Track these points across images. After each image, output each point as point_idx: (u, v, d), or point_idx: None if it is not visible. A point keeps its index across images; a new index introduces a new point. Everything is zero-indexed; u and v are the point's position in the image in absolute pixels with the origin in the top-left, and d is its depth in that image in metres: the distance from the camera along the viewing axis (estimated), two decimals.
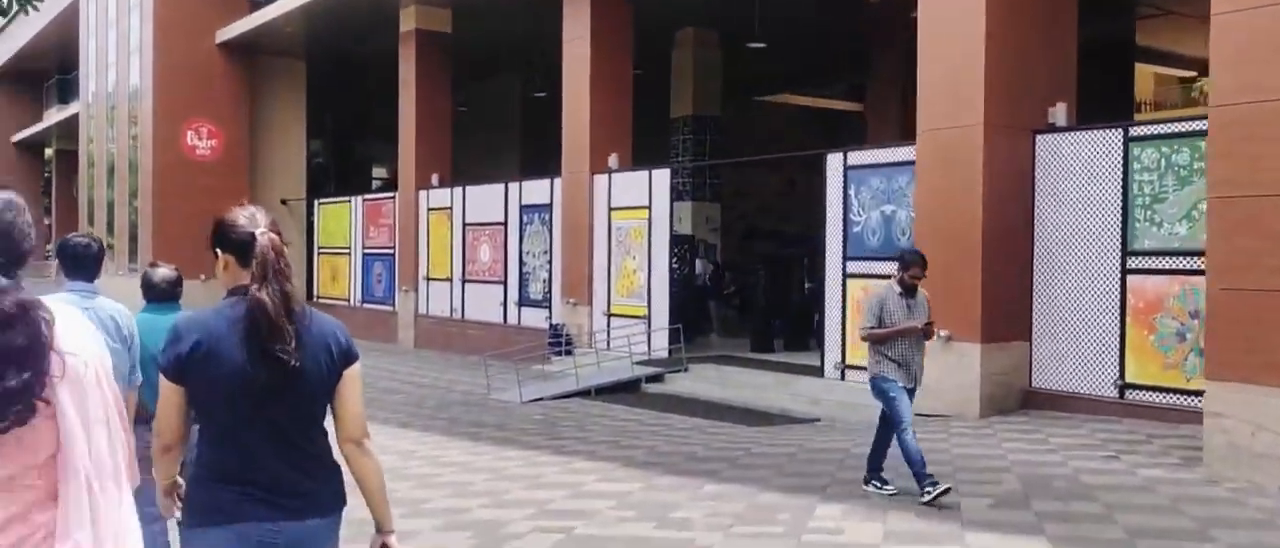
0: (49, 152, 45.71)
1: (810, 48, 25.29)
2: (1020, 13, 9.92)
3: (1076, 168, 9.87)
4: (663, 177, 15.07)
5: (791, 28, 19.91)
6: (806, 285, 15.08)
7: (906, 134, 17.84)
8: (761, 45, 19.09)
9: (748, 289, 19.14)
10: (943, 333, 9.18)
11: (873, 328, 6.52)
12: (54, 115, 40.18)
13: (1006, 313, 9.91)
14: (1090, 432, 8.53)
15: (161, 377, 2.48)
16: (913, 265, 6.60)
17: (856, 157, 12.03)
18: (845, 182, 11.94)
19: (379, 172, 38.12)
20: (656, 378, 13.79)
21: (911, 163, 10.93)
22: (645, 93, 17.13)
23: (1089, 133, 9.90)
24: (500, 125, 29.23)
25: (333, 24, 23.01)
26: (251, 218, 2.53)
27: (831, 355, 12.10)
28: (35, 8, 4.87)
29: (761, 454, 8.16)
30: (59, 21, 33.95)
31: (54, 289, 3.72)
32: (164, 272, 4.69)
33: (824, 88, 32.56)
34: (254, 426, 2.43)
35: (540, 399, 12.85)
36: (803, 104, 32.56)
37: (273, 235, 2.48)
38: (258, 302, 2.39)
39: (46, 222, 47.84)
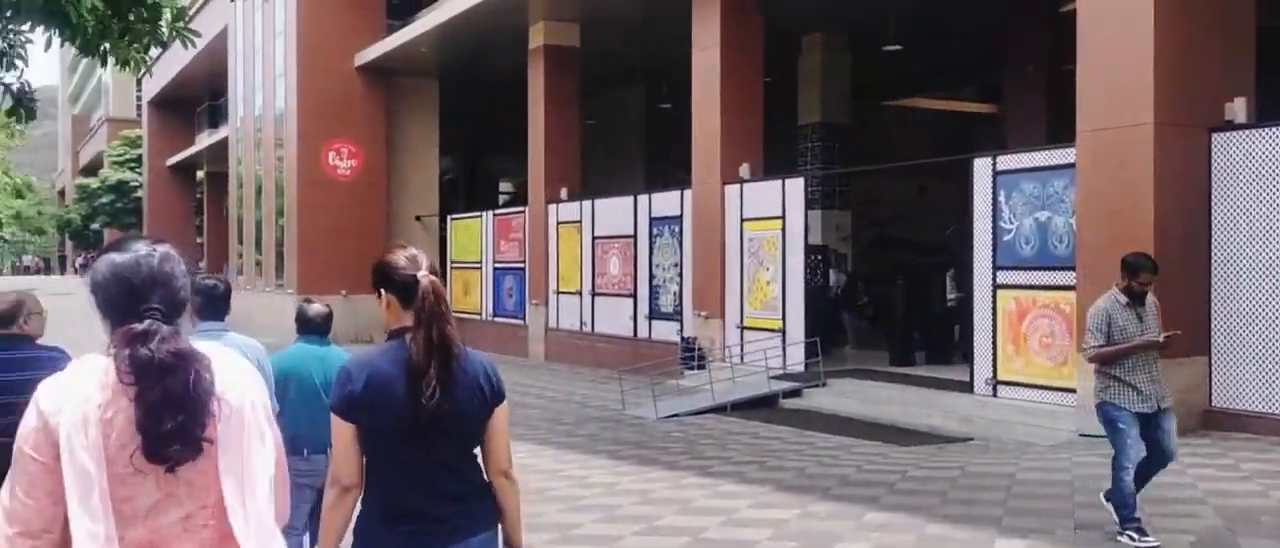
0: (200, 173, 48.05)
1: (943, 48, 24.52)
2: None
3: (1258, 168, 9.10)
4: (796, 186, 14.68)
5: (924, 27, 19.27)
6: (951, 297, 14.43)
7: (1055, 135, 17.01)
8: (896, 47, 18.49)
9: (882, 300, 18.54)
10: None
11: (1101, 346, 5.74)
12: (205, 139, 42.24)
13: (1183, 326, 9.18)
14: None
15: (334, 416, 2.58)
16: (1142, 271, 5.79)
17: (1007, 160, 11.42)
18: (994, 187, 11.35)
19: (506, 186, 38.84)
20: (794, 393, 13.41)
21: (1070, 166, 10.30)
22: (770, 100, 16.80)
23: (1272, 130, 9.13)
24: (625, 138, 29.29)
25: (464, 44, 23.41)
26: (412, 260, 2.67)
27: (981, 370, 11.50)
28: (193, 43, 4.92)
29: (921, 479, 7.74)
30: (209, 51, 35.59)
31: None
32: (317, 307, 5.04)
33: (955, 90, 31.56)
34: (416, 462, 2.56)
35: (676, 415, 12.63)
36: (933, 107, 31.61)
37: (433, 278, 2.62)
38: (420, 347, 2.52)
39: (198, 240, 50.37)
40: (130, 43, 4.59)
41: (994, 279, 11.34)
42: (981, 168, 11.57)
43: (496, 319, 23.27)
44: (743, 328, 15.62)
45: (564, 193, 20.76)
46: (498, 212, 23.60)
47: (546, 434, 11.31)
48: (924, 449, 9.66)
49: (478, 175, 37.06)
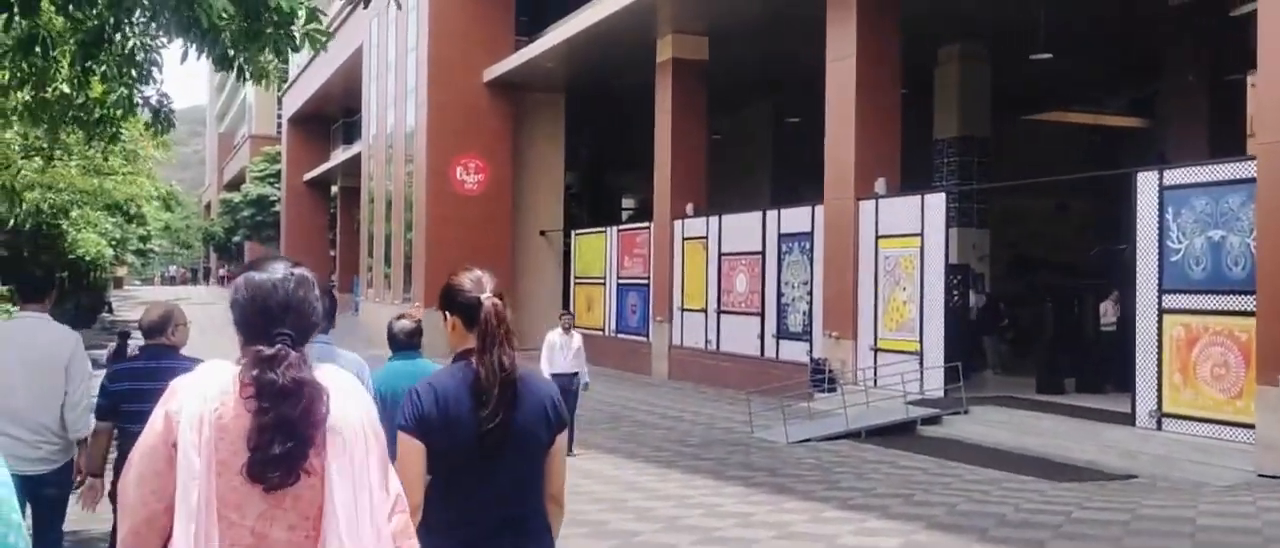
0: (334, 189, 49.63)
1: (1090, 58, 23.31)
2: None
3: None
4: (937, 202, 13.97)
5: (1072, 37, 18.26)
6: (1109, 321, 13.46)
7: (1216, 149, 15.83)
8: (1046, 56, 17.55)
9: (1026, 323, 17.59)
10: None
11: None
12: (339, 155, 43.59)
13: None
14: None
15: (401, 434, 2.57)
16: None
17: (1175, 175, 10.54)
18: (1161, 204, 10.48)
19: (628, 202, 38.78)
20: (933, 420, 12.70)
21: (1248, 181, 9.40)
22: (905, 112, 16.11)
23: None
24: (751, 153, 28.82)
25: (592, 58, 23.38)
26: (477, 282, 2.68)
27: (1145, 401, 10.62)
28: (325, 47, 4.75)
29: (1088, 521, 7.05)
30: (345, 69, 36.81)
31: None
32: (403, 323, 4.91)
33: (1099, 103, 30.03)
34: (480, 484, 2.58)
35: (807, 440, 12.09)
36: (1077, 121, 30.13)
37: (496, 300, 2.61)
38: (485, 369, 2.54)
39: (331, 253, 52.04)
40: (261, 49, 4.42)
41: (1160, 303, 10.47)
42: (1146, 183, 10.71)
43: (619, 335, 23.07)
44: (877, 350, 14.95)
45: (690, 208, 20.43)
46: (622, 227, 23.43)
47: (672, 457, 10.93)
48: (1084, 487, 8.89)
49: (601, 190, 37.08)
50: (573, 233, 25.91)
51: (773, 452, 11.28)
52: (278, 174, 54.91)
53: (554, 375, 9.97)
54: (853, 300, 15.30)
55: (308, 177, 49.46)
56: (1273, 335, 9.02)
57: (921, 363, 13.93)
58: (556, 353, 10.91)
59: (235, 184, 67.12)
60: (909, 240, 14.30)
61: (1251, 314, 9.42)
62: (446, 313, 2.70)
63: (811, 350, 16.32)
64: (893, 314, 14.68)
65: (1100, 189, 29.05)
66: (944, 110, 20.75)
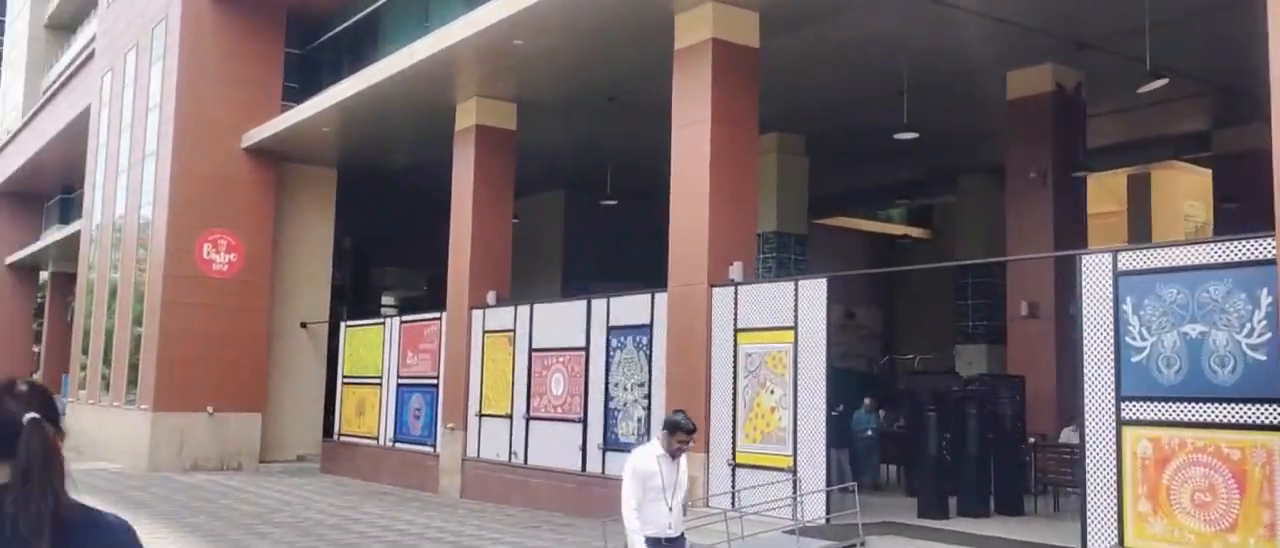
0: (44, 274, 42.72)
1: (901, 165, 22.95)
2: None
3: None
4: (817, 288, 11.86)
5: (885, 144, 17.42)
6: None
7: (1062, 244, 15.00)
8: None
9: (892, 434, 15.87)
10: None
11: None
12: (52, 235, 37.44)
13: None
14: None
15: None
16: None
17: (1134, 258, 8.89)
18: (1116, 293, 8.78)
19: (388, 300, 35.06)
20: None
21: (1243, 264, 7.82)
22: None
23: None
24: (544, 239, 26.36)
25: (372, 125, 20.32)
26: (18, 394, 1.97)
27: (1101, 535, 8.71)
28: None
29: None
30: (65, 137, 31.59)
31: None
32: None
33: (889, 209, 30.19)
34: None
35: None
36: (866, 228, 30.01)
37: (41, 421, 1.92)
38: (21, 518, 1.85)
39: (35, 348, 44.52)
40: None
41: (1118, 412, 8.67)
42: (1095, 268, 9.01)
43: (398, 446, 19.55)
44: (735, 465, 12.55)
45: (492, 296, 17.54)
46: (407, 318, 20.11)
47: None
48: None
49: (365, 287, 33.30)
50: (343, 325, 22.23)
51: None
52: None
53: (656, 543, 5.77)
54: (705, 405, 12.87)
55: (11, 259, 42.28)
56: None
57: (796, 483, 11.62)
58: (658, 493, 5.78)
59: None
60: (779, 334, 12.10)
61: (1246, 427, 7.73)
62: None
63: None
64: (757, 421, 12.36)
65: (880, 298, 29.39)
66: (763, 203, 19.17)
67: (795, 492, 11.52)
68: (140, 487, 18.34)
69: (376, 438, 20.18)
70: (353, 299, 29.62)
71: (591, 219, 25.06)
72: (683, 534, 5.98)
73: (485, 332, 17.37)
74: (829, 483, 11.47)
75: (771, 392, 12.15)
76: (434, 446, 18.36)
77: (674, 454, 5.86)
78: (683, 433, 5.83)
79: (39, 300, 43.88)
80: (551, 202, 26.39)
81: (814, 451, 11.53)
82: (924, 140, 17.05)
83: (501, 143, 17.97)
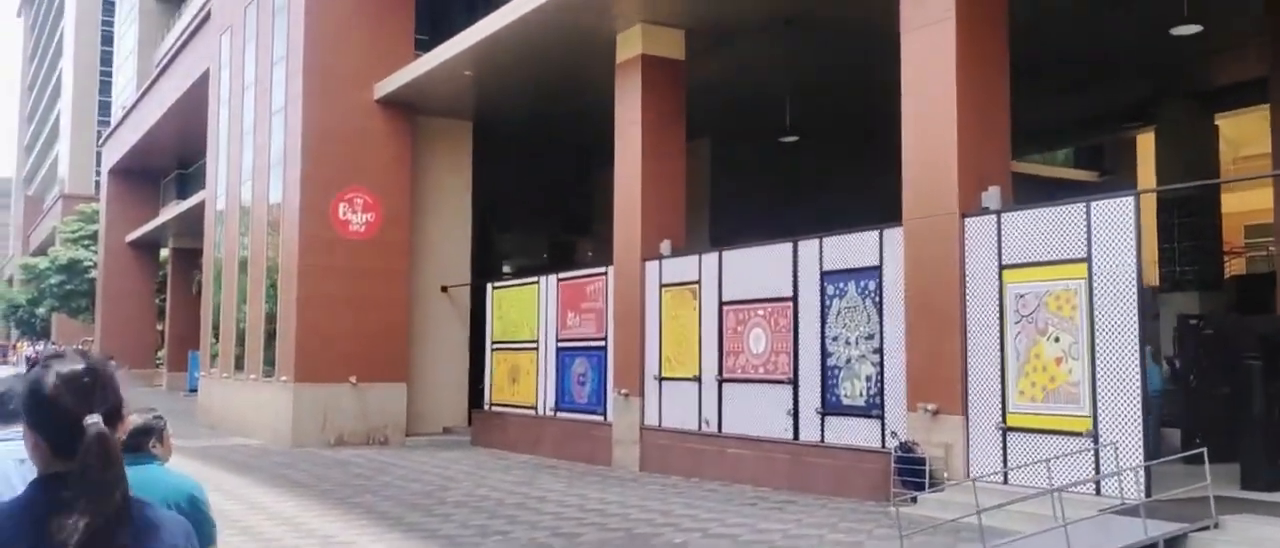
0: (165, 250, 42.54)
1: None
2: None
3: None
4: (1122, 207, 9.65)
5: None
6: None
7: None
8: None
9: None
10: None
11: None
12: (171, 210, 37.02)
13: None
14: None
15: None
16: None
17: None
18: None
19: (507, 269, 33.44)
20: (1176, 540, 8.22)
21: None
22: None
23: None
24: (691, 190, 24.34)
25: (513, 67, 18.53)
26: (81, 389, 1.84)
27: None
28: None
29: None
30: (180, 108, 30.96)
31: None
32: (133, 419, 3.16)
33: None
34: None
35: None
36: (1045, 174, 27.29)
37: (104, 428, 1.78)
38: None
39: (159, 326, 44.53)
40: None
41: None
42: None
43: (561, 415, 17.90)
44: (1005, 429, 10.46)
45: (666, 246, 15.69)
46: (564, 276, 18.39)
47: None
48: None
49: (488, 251, 31.78)
50: (490, 286, 20.67)
51: None
52: (94, 235, 47.11)
53: None
54: (961, 359, 10.80)
55: (132, 237, 42.15)
56: None
57: (1096, 449, 9.49)
58: None
59: (43, 250, 58.08)
60: (1065, 268, 9.94)
61: None
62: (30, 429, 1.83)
63: (886, 431, 11.72)
64: (1035, 376, 10.24)
65: None
66: None
67: (1100, 461, 9.39)
68: (289, 464, 17.06)
69: (535, 407, 18.58)
70: (477, 269, 28.22)
71: (741, 167, 23.01)
72: None
73: (662, 285, 15.53)
74: (1148, 449, 9.29)
75: (1056, 339, 10.01)
76: (604, 414, 16.66)
77: None
78: None
79: (161, 276, 43.78)
80: (696, 150, 24.37)
81: (1123, 410, 9.37)
82: (1108, 67, 14.53)
83: (671, 74, 16.03)
